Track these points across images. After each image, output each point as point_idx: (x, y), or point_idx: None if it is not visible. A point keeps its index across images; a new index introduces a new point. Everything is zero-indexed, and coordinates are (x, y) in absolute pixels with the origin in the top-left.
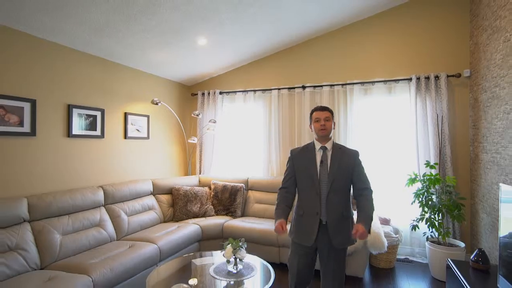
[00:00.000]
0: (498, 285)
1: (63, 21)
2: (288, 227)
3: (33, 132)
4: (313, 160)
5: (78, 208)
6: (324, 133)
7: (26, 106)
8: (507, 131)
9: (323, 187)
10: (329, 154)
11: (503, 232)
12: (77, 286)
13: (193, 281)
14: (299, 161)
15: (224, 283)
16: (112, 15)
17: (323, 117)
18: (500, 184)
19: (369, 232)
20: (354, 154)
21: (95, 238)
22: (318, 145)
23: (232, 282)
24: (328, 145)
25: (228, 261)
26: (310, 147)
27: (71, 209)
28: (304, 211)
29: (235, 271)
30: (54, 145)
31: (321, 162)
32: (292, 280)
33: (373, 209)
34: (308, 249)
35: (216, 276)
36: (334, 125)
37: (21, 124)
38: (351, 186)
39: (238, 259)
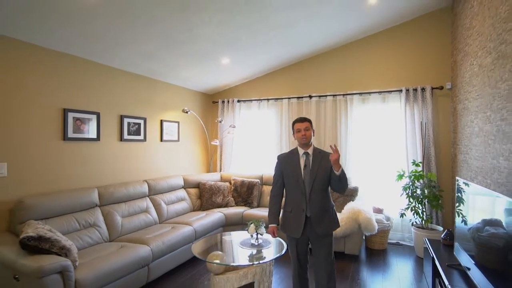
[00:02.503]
0: (454, 252)
1: (121, 51)
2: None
3: (98, 138)
4: (297, 164)
5: (131, 197)
6: (305, 141)
7: (93, 118)
8: (471, 136)
9: (307, 187)
10: (310, 159)
11: (457, 214)
12: (142, 251)
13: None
14: (286, 165)
15: (248, 252)
16: (159, 46)
17: (303, 127)
18: (456, 178)
19: (339, 168)
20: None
21: (144, 221)
22: (301, 151)
23: (254, 252)
24: (310, 151)
25: (251, 236)
26: (294, 153)
27: (126, 198)
28: (292, 209)
29: (256, 244)
30: (112, 147)
31: (305, 166)
32: (294, 264)
33: (346, 181)
34: (301, 239)
35: (242, 247)
36: (313, 133)
37: (89, 132)
38: (330, 182)
39: (258, 234)
